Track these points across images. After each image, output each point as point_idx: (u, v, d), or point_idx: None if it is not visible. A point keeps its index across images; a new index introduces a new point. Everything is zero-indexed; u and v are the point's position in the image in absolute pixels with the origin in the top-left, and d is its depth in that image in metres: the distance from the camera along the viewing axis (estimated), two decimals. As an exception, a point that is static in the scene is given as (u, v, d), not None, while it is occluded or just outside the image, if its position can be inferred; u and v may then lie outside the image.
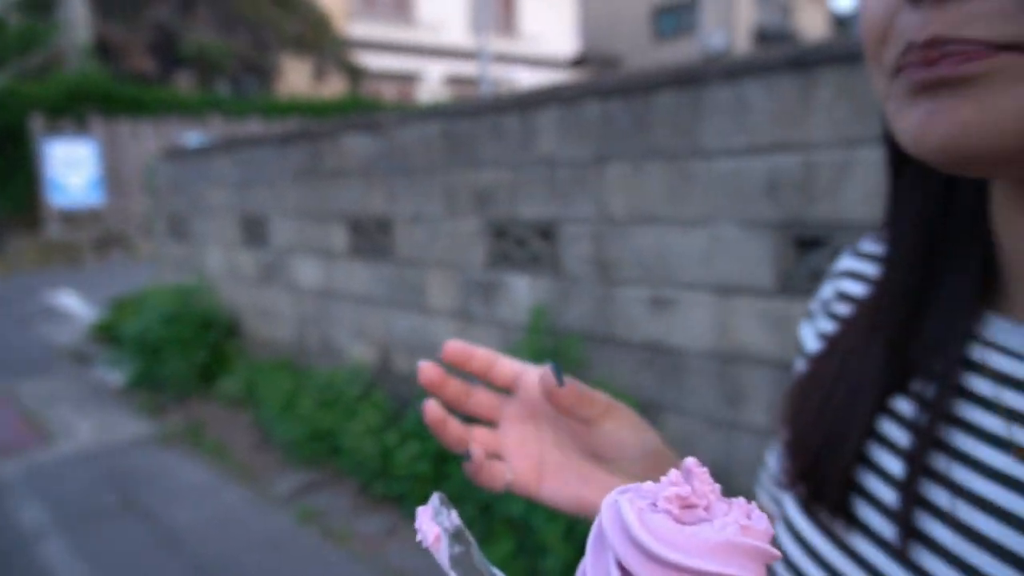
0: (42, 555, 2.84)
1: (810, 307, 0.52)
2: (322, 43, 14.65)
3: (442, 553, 0.34)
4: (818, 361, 0.44)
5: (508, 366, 0.44)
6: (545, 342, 2.76)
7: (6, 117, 10.74)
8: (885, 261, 0.42)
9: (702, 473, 0.25)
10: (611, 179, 2.54)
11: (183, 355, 4.70)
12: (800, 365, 0.49)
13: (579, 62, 21.27)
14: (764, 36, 22.98)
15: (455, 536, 0.35)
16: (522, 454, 0.43)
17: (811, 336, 0.50)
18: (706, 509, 0.26)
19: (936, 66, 0.28)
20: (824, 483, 0.40)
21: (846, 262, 0.49)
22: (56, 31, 14.66)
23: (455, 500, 2.82)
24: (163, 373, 4.71)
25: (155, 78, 14.25)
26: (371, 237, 3.74)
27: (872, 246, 0.47)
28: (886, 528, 0.37)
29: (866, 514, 0.39)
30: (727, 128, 2.16)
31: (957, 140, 0.28)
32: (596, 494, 0.43)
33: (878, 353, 0.40)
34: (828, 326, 0.47)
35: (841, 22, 23.61)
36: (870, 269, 0.45)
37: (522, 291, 2.95)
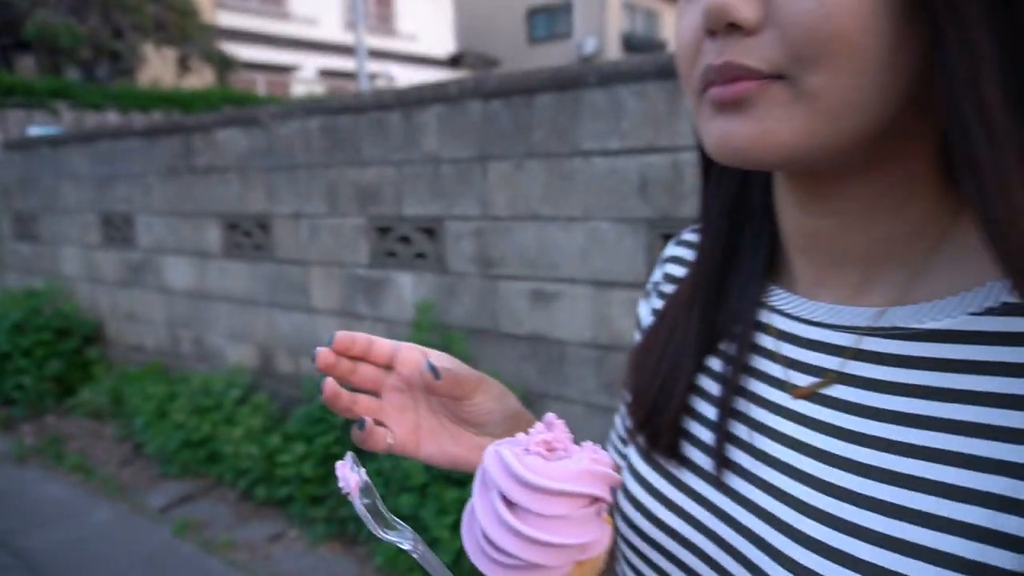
0: None
1: (647, 287, 0.61)
2: (187, 31, 13.83)
3: (357, 502, 0.41)
4: (649, 332, 0.53)
5: (384, 345, 0.49)
6: (431, 338, 2.80)
7: None
8: (697, 248, 0.51)
9: (560, 424, 0.32)
10: (493, 178, 2.61)
11: (35, 365, 4.33)
12: (638, 337, 0.58)
13: (456, 61, 21.35)
14: (631, 44, 24.05)
15: (364, 491, 0.41)
16: (402, 420, 0.50)
17: (646, 312, 0.59)
18: (564, 450, 0.33)
19: (728, 85, 0.36)
20: (658, 432, 0.49)
21: (671, 249, 0.59)
22: None
23: (343, 500, 2.81)
24: (12, 385, 4.32)
25: (-8, 62, 12.91)
26: (249, 235, 3.62)
27: (691, 235, 0.57)
28: (706, 462, 0.46)
29: (692, 453, 0.47)
30: (603, 130, 2.29)
31: (746, 150, 0.37)
32: (467, 451, 0.50)
33: (695, 323, 0.49)
34: (659, 303, 0.57)
35: (704, 32, 25.17)
36: (689, 254, 0.55)
37: (407, 288, 2.97)
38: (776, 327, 0.46)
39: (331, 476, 2.90)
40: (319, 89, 18.66)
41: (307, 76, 19.06)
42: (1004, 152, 0.32)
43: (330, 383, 0.47)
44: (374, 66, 18.23)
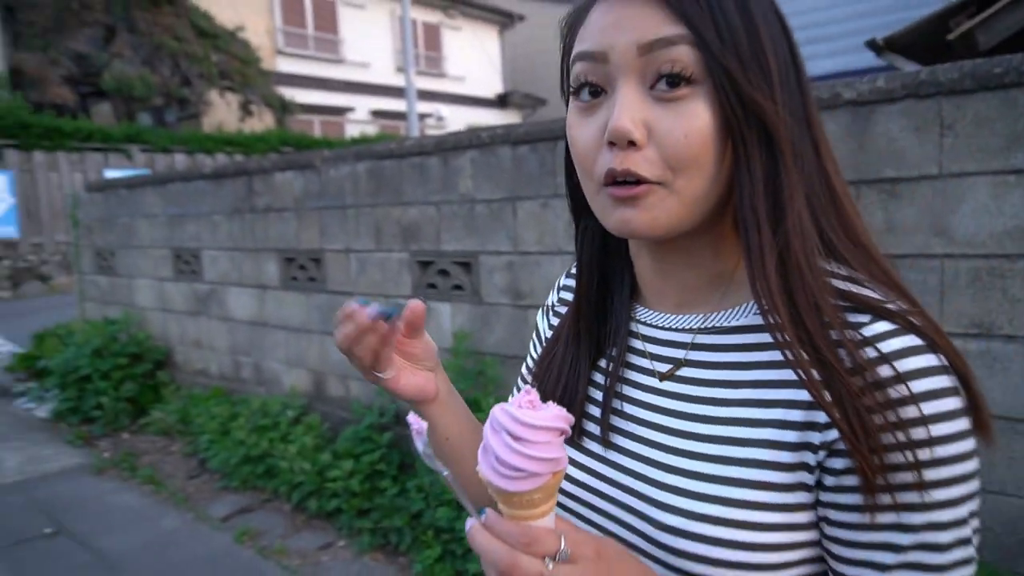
0: (-23, 581, 2.90)
1: (545, 306, 0.83)
2: (249, 78, 14.67)
3: (420, 441, 0.60)
4: (550, 346, 0.76)
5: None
6: (467, 363, 3.05)
7: (-87, 148, 10.32)
8: (578, 282, 0.73)
9: (534, 391, 0.54)
10: (523, 216, 2.87)
11: (112, 387, 4.74)
12: (536, 343, 0.82)
13: (504, 101, 21.88)
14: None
15: (424, 434, 0.61)
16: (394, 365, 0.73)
17: (544, 326, 0.82)
18: (541, 405, 0.54)
19: (629, 188, 0.57)
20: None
21: (564, 280, 0.81)
22: (-35, 59, 14.17)
23: (387, 513, 3.06)
24: (92, 405, 4.73)
25: (74, 109, 13.92)
26: (304, 269, 3.95)
27: (569, 277, 0.80)
28: (598, 430, 0.68)
29: (590, 427, 0.69)
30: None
31: (641, 230, 0.58)
32: (423, 381, 0.74)
33: (585, 337, 0.71)
34: (555, 321, 0.79)
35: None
36: (570, 293, 0.78)
37: (446, 317, 3.24)
38: (642, 333, 0.69)
39: (376, 491, 3.15)
40: (372, 129, 19.39)
41: (360, 117, 19.81)
42: (762, 234, 0.56)
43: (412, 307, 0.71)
44: (424, 107, 18.89)
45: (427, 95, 19.02)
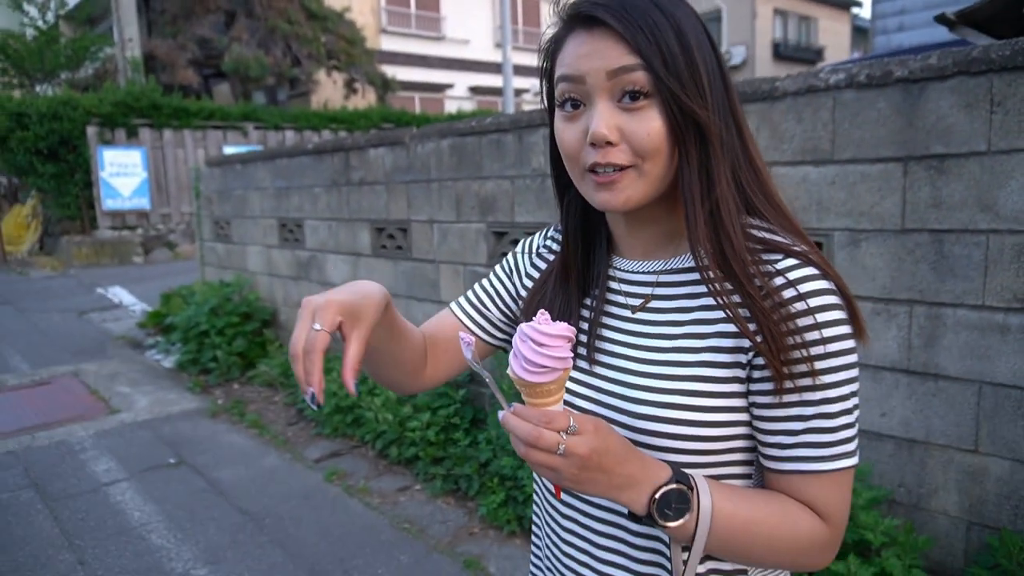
0: (115, 496, 3.42)
1: (528, 243, 1.02)
2: (354, 57, 15.32)
3: (468, 352, 0.75)
4: (539, 285, 0.94)
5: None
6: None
7: (64, 126, 11.55)
8: (563, 242, 0.92)
9: (546, 313, 0.74)
10: (588, 190, 3.03)
11: (226, 342, 5.29)
12: (502, 272, 1.02)
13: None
14: (782, 52, 23.13)
15: (473, 350, 0.80)
16: None
17: (526, 262, 1.00)
18: (552, 322, 0.73)
19: (607, 175, 0.77)
20: None
21: (551, 232, 1.00)
22: (106, 44, 15.58)
23: (458, 461, 3.35)
24: (209, 358, 5.31)
25: (197, 90, 15.05)
26: (393, 238, 4.28)
27: (556, 231, 0.98)
28: (585, 353, 0.87)
29: (580, 351, 0.88)
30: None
31: (618, 206, 0.77)
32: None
33: (575, 281, 0.90)
34: (539, 262, 0.98)
35: (863, 31, 23.72)
36: (556, 244, 0.97)
37: (517, 284, 3.45)
38: (618, 277, 0.89)
39: (450, 441, 3.47)
40: (469, 106, 19.79)
41: (459, 93, 20.23)
42: (696, 204, 0.75)
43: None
44: (523, 82, 19.06)
45: (526, 70, 19.15)
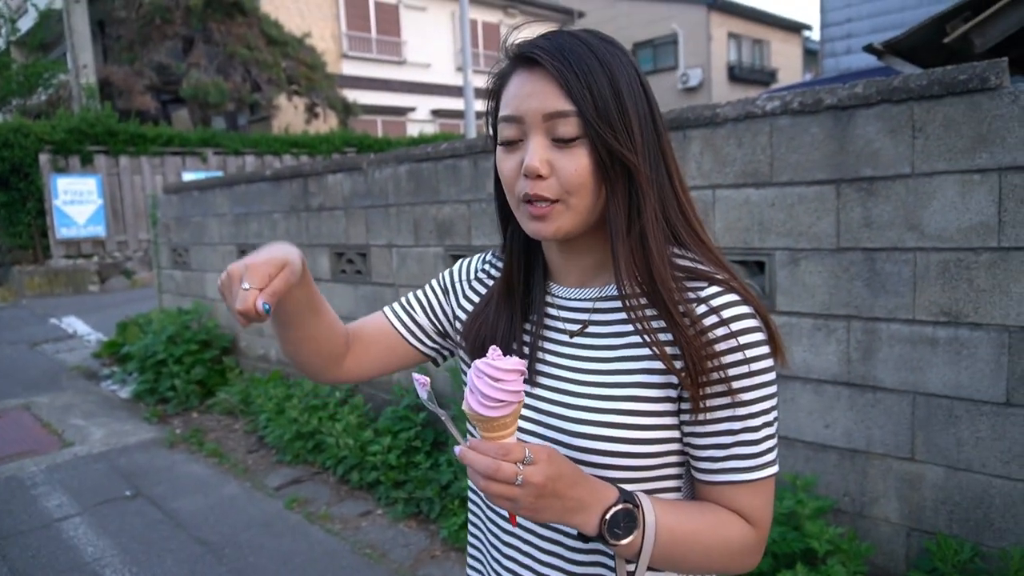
0: (67, 531, 3.34)
1: (465, 265, 1.07)
2: (315, 82, 15.32)
3: (423, 392, 0.80)
4: (480, 308, 0.99)
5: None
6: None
7: (15, 153, 11.30)
8: (506, 267, 0.96)
9: (497, 349, 0.77)
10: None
11: (185, 370, 5.22)
12: (437, 286, 1.07)
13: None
14: (736, 74, 23.76)
15: (429, 393, 0.84)
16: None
17: (462, 284, 1.05)
18: (503, 357, 0.77)
19: (539, 206, 0.82)
20: None
21: (490, 258, 1.05)
22: (60, 70, 15.33)
23: (420, 484, 3.36)
24: (167, 387, 5.22)
25: (156, 116, 14.87)
26: (352, 263, 4.30)
27: (495, 257, 1.04)
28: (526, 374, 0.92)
29: None
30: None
31: (548, 235, 0.83)
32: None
33: (517, 305, 0.95)
34: (479, 288, 1.03)
35: (813, 53, 24.54)
36: (495, 270, 1.02)
37: (476, 307, 3.50)
38: (556, 303, 0.93)
39: (411, 464, 3.46)
40: (432, 128, 19.89)
41: (421, 117, 20.32)
42: (620, 240, 0.81)
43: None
44: (483, 105, 19.24)
45: (488, 93, 19.31)
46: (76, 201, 11.75)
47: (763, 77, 24.55)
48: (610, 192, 0.81)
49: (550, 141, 0.80)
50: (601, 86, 0.78)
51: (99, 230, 12.06)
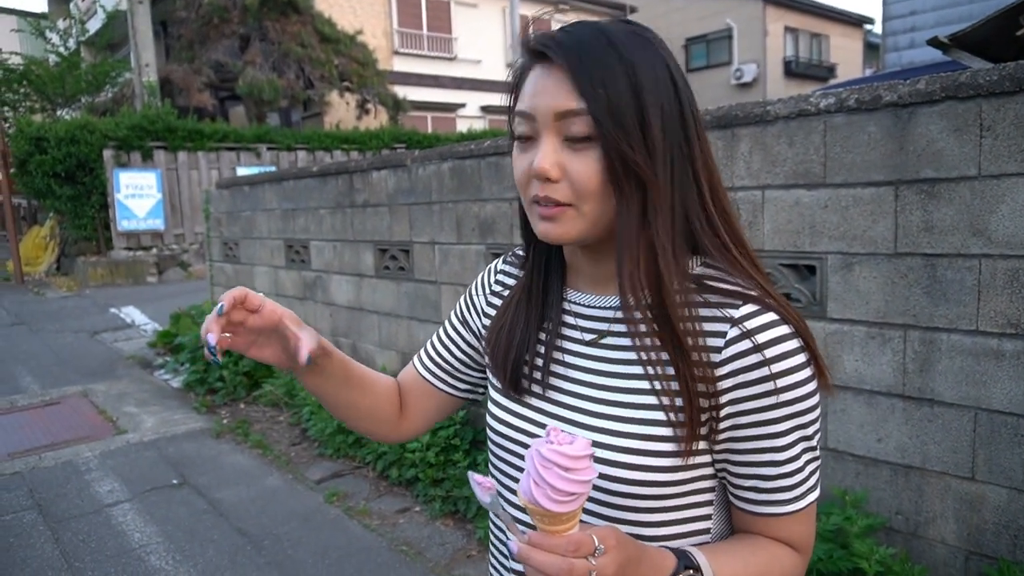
0: (116, 517, 3.44)
1: (480, 282, 1.02)
2: (366, 79, 15.51)
3: (485, 496, 0.69)
4: (499, 317, 0.94)
5: (256, 297, 0.85)
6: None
7: (82, 149, 11.76)
8: (526, 268, 0.92)
9: (556, 427, 0.70)
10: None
11: (233, 362, 5.33)
12: (456, 319, 1.03)
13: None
14: (793, 69, 23.10)
15: (493, 495, 0.72)
16: (267, 344, 0.89)
17: (482, 301, 1.00)
18: (567, 438, 0.68)
19: (549, 208, 0.77)
20: (514, 372, 0.89)
21: (502, 266, 1.00)
22: (125, 69, 15.90)
23: (458, 483, 3.34)
24: (215, 378, 5.35)
25: (213, 112, 15.29)
26: (395, 259, 4.31)
27: (512, 259, 0.99)
28: (538, 386, 0.87)
29: (530, 383, 0.88)
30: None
31: (556, 238, 0.78)
32: (268, 352, 0.89)
33: (534, 310, 0.90)
34: (497, 300, 0.98)
35: (875, 48, 23.67)
36: (512, 270, 0.97)
37: (517, 306, 3.46)
38: (573, 310, 0.88)
39: (449, 463, 3.45)
40: (481, 125, 19.95)
41: (471, 113, 20.39)
42: (630, 252, 0.76)
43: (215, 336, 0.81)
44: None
45: (536, 91, 19.22)
46: (137, 195, 12.17)
47: (821, 72, 23.82)
48: (620, 200, 0.75)
49: (561, 142, 0.75)
50: (617, 83, 0.73)
51: (158, 223, 12.47)
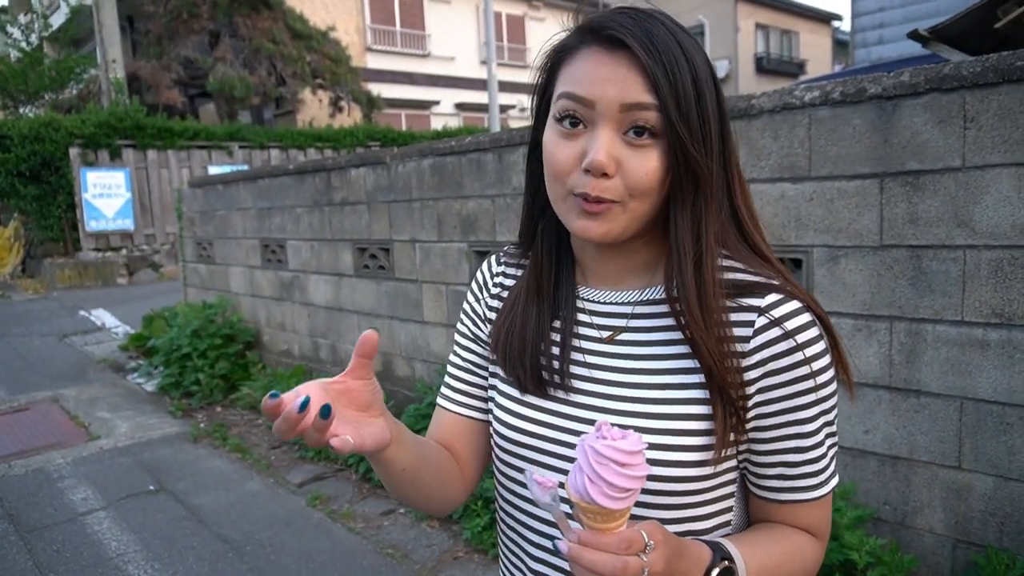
0: (91, 526, 3.35)
1: (479, 284, 0.97)
2: (339, 76, 15.34)
3: (545, 497, 0.65)
4: (506, 312, 0.90)
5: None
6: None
7: (46, 147, 11.47)
8: (534, 263, 0.88)
9: (606, 422, 0.65)
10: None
11: (209, 365, 5.23)
12: (464, 339, 0.96)
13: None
14: (764, 66, 23.37)
15: (556, 501, 0.67)
16: (350, 427, 0.71)
17: (482, 307, 0.95)
18: (619, 433, 0.65)
19: (594, 204, 0.74)
20: (528, 369, 0.86)
21: (498, 267, 0.96)
22: (90, 65, 15.54)
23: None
24: (191, 381, 5.24)
25: (183, 110, 15.01)
26: (375, 258, 4.25)
27: (508, 258, 0.95)
28: (554, 382, 0.83)
29: (545, 380, 0.84)
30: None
31: (598, 237, 0.75)
32: (375, 431, 0.73)
33: (546, 305, 0.87)
34: (497, 304, 0.93)
35: (843, 44, 24.00)
36: (511, 270, 0.94)
37: (500, 303, 3.43)
38: (587, 308, 0.85)
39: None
40: (456, 122, 19.86)
41: (445, 110, 20.29)
42: (684, 249, 0.74)
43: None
44: (508, 98, 19.15)
45: (511, 86, 19.24)
46: (105, 195, 11.90)
47: (791, 68, 24.11)
48: (678, 201, 0.74)
49: (620, 136, 0.72)
50: (685, 81, 0.71)
51: (127, 223, 12.21)
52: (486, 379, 0.95)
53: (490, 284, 0.97)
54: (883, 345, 2.16)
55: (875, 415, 2.21)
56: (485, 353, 0.95)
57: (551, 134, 0.77)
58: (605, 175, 0.72)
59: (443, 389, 0.99)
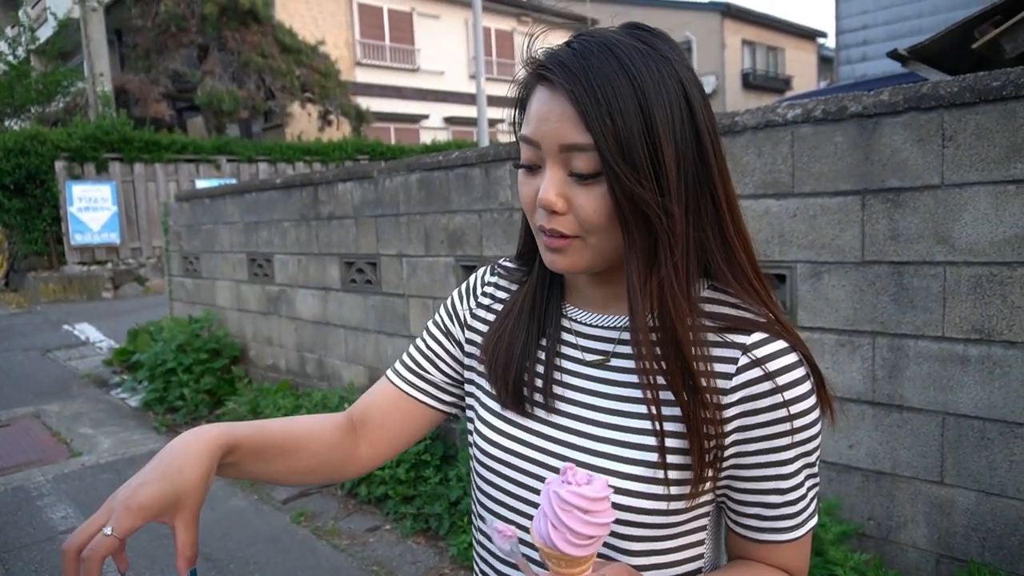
0: (72, 545, 3.30)
1: (466, 292, 0.97)
2: (328, 90, 15.36)
3: (507, 545, 0.67)
4: (497, 327, 0.90)
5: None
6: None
7: (32, 161, 11.39)
8: (530, 280, 0.89)
9: (572, 466, 0.66)
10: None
11: (194, 379, 5.18)
12: (436, 330, 0.97)
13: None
14: (751, 81, 23.60)
15: (516, 549, 0.70)
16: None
17: (465, 313, 0.96)
18: (583, 477, 0.66)
19: (555, 240, 0.75)
20: (512, 385, 0.85)
21: (491, 278, 0.96)
22: (77, 78, 15.49)
23: (429, 500, 3.28)
24: (176, 396, 5.19)
25: (171, 123, 14.97)
26: (362, 272, 4.24)
27: (502, 270, 0.96)
28: (538, 402, 0.83)
29: (527, 399, 0.84)
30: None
31: (564, 269, 0.76)
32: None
33: (534, 324, 0.87)
34: (481, 312, 0.94)
35: (828, 61, 24.32)
36: (503, 282, 0.94)
37: (487, 318, 3.43)
38: (574, 329, 0.85)
39: (420, 479, 3.38)
40: (444, 136, 19.92)
41: (434, 124, 20.34)
42: (636, 290, 0.73)
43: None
44: (496, 112, 19.23)
45: (500, 101, 19.24)
46: (91, 208, 11.82)
47: (778, 84, 24.39)
48: (628, 238, 0.71)
49: (567, 175, 0.72)
50: (627, 114, 0.67)
51: (113, 237, 12.12)
52: (444, 374, 0.96)
53: (479, 292, 0.97)
54: (866, 360, 2.18)
55: (859, 430, 2.22)
56: (452, 349, 0.96)
57: (520, 175, 0.78)
58: (555, 212, 0.72)
59: (396, 365, 0.99)
